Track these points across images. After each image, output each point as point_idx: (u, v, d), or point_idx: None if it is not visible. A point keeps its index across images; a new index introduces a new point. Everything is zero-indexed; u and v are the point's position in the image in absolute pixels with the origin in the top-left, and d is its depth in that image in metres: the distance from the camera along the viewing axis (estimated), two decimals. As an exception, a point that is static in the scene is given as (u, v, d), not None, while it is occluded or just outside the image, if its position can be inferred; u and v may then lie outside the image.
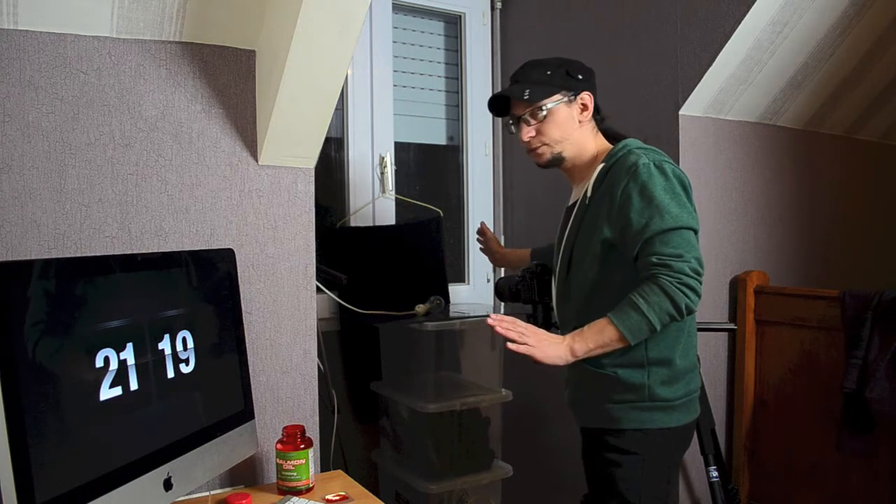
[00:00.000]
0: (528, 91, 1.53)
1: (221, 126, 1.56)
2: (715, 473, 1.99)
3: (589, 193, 1.51)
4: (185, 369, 1.29)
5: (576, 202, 1.58)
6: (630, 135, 1.59)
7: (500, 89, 2.71)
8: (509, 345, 1.43)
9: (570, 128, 1.55)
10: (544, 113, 1.54)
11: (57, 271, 1.06)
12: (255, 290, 1.60)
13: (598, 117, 1.61)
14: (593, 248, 1.48)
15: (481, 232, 2.17)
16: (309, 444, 1.52)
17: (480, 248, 2.20)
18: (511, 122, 1.61)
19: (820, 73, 2.25)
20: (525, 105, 1.55)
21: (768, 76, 2.17)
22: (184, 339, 1.29)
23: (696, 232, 1.42)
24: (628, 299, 1.39)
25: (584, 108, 1.56)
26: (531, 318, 1.79)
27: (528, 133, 1.56)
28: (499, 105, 1.62)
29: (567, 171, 1.63)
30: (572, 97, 1.55)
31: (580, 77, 1.56)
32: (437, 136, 2.75)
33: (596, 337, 1.42)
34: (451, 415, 2.15)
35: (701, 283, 1.38)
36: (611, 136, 1.61)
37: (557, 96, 1.54)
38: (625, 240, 1.43)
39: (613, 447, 1.48)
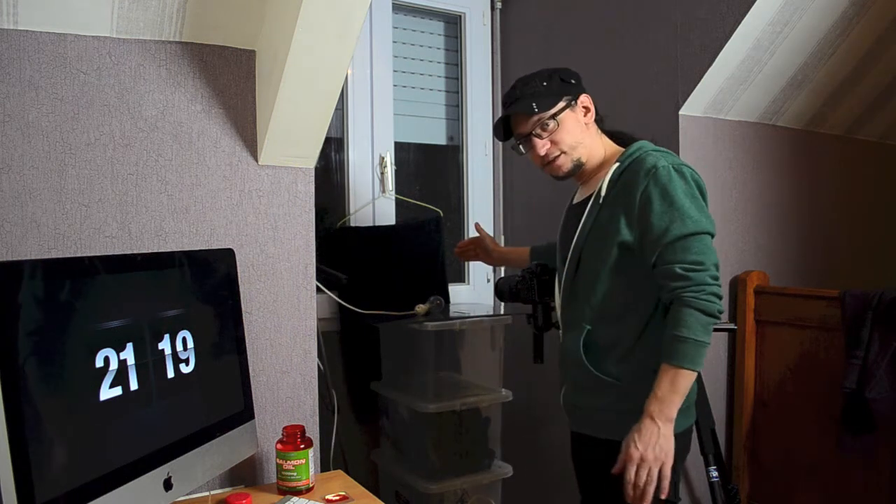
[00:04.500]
0: (534, 104, 1.50)
1: (221, 126, 1.56)
2: (715, 473, 1.98)
3: (603, 192, 1.48)
4: (185, 369, 1.29)
5: (584, 201, 1.55)
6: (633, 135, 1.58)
7: (499, 90, 2.71)
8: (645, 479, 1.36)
9: (580, 132, 1.54)
10: (556, 122, 1.50)
11: (57, 271, 1.06)
12: (255, 290, 1.60)
13: (598, 117, 1.60)
14: (607, 250, 1.46)
15: (475, 235, 2.10)
16: (309, 444, 1.52)
17: (466, 257, 2.18)
18: (518, 142, 1.58)
19: (820, 73, 2.25)
20: (533, 120, 1.51)
21: (768, 76, 2.16)
22: (184, 339, 1.29)
23: (713, 236, 1.41)
24: (669, 335, 1.36)
25: (587, 110, 1.56)
26: (531, 318, 1.78)
27: (543, 146, 1.52)
28: (504, 127, 1.60)
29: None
30: (573, 102, 1.54)
31: (573, 81, 1.56)
32: (437, 136, 2.74)
33: (671, 387, 1.35)
34: (451, 415, 2.15)
35: (720, 284, 1.39)
36: (615, 136, 1.60)
37: (562, 103, 1.52)
38: (643, 243, 1.41)
39: (610, 458, 1.43)
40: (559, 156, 1.53)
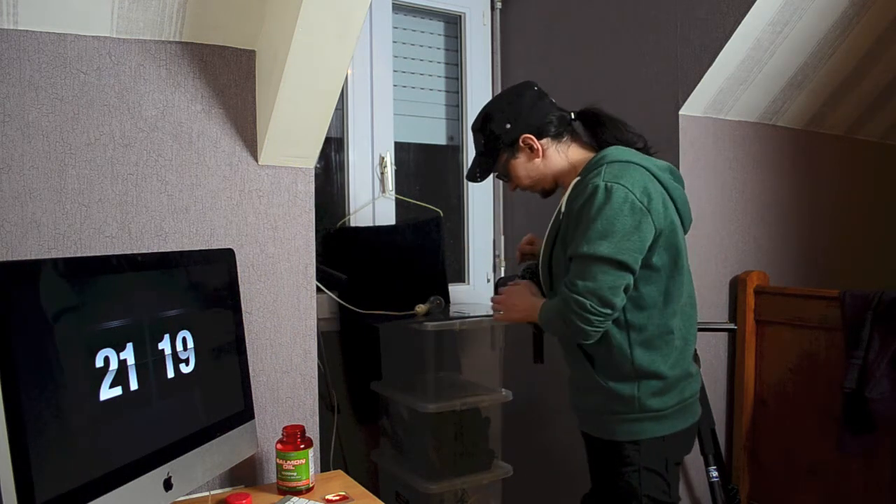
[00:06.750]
0: (478, 173, 1.64)
1: (221, 126, 1.56)
2: (715, 473, 1.99)
3: (563, 209, 1.50)
4: (185, 369, 1.29)
5: (558, 208, 1.56)
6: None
7: (499, 90, 2.72)
8: (496, 316, 1.64)
9: (533, 169, 1.58)
10: (505, 175, 1.62)
11: (57, 271, 1.06)
12: (255, 290, 1.60)
13: (562, 129, 1.56)
14: (564, 260, 1.47)
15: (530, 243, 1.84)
16: (309, 444, 1.52)
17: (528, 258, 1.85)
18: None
19: (820, 73, 2.25)
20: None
21: (768, 76, 2.17)
22: (184, 339, 1.29)
23: (619, 263, 1.35)
24: (558, 296, 1.45)
25: (531, 148, 1.56)
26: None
27: (510, 188, 1.67)
28: None
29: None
30: (514, 148, 1.57)
31: (507, 126, 1.55)
32: (437, 136, 2.74)
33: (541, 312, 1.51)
34: (451, 415, 2.15)
35: (588, 320, 1.36)
36: (600, 136, 1.56)
37: (503, 157, 1.59)
38: None
39: (610, 456, 1.48)
40: (529, 189, 1.64)
